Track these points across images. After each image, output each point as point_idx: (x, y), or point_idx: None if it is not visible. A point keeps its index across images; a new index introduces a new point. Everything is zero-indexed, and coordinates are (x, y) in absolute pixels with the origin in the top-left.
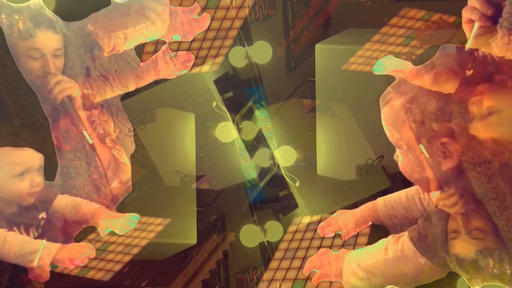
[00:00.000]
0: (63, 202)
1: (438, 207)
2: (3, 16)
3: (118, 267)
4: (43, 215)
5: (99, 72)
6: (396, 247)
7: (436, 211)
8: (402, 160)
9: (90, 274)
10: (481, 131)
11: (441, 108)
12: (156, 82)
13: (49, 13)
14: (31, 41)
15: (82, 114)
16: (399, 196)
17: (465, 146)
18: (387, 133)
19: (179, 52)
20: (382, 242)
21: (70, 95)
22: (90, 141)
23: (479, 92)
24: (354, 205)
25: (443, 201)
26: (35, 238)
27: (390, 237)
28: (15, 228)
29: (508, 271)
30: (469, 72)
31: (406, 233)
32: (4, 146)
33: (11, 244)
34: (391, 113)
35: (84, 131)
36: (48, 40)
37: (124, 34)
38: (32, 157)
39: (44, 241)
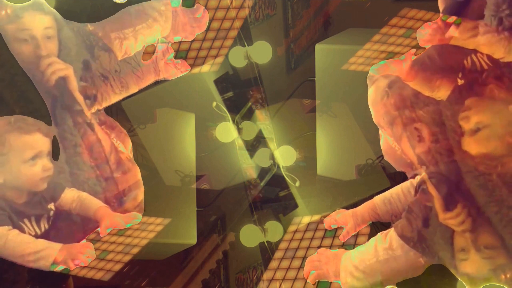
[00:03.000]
0: (69, 196)
1: (442, 223)
2: None
3: (118, 267)
4: (51, 206)
5: (99, 72)
6: (384, 245)
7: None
8: (383, 140)
9: (90, 274)
10: (472, 146)
11: (415, 94)
12: (156, 82)
13: None
14: (19, 23)
15: (79, 96)
16: (396, 192)
17: (462, 161)
18: (371, 113)
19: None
20: (371, 241)
21: (64, 76)
22: (88, 120)
23: (467, 107)
24: (354, 205)
25: (450, 220)
26: (46, 230)
27: (378, 235)
28: (26, 221)
29: None
30: (460, 81)
31: (392, 229)
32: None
33: (13, 244)
34: (375, 94)
35: None
36: (37, 20)
37: (125, 34)
38: (41, 141)
39: (46, 241)
